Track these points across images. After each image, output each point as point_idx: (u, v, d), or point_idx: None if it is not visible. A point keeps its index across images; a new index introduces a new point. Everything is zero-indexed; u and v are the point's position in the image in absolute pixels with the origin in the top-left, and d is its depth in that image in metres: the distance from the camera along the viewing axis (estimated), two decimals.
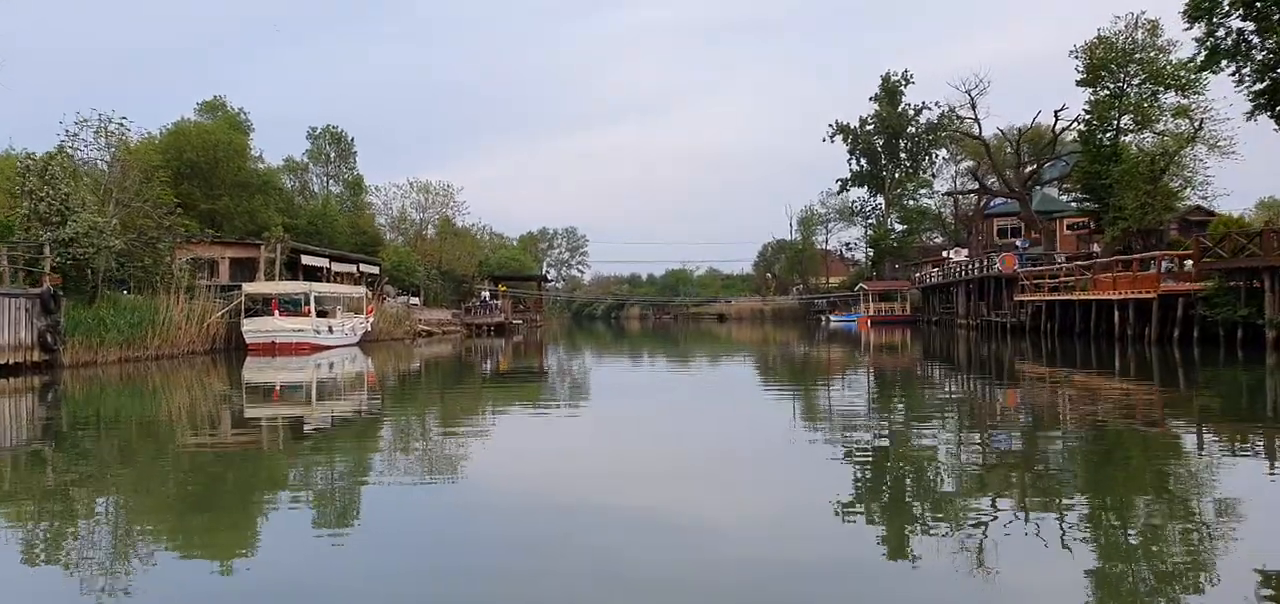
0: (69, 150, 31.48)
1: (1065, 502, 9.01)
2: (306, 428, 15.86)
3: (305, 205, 63.21)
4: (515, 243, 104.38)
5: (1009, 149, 64.23)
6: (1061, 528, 7.84)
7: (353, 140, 71.70)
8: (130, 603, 6.15)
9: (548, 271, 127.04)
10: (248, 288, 35.23)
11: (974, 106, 60.83)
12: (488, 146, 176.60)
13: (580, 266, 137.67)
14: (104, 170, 33.02)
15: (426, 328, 52.35)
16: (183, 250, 36.91)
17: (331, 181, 71.38)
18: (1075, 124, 53.95)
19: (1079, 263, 45.15)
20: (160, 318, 29.24)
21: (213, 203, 48.08)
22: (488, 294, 65.06)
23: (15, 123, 77.26)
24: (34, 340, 23.71)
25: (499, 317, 62.64)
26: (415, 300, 56.75)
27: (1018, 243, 59.31)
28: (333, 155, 70.79)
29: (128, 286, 32.03)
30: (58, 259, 28.19)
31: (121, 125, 32.59)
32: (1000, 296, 52.96)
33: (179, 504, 9.40)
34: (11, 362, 23.07)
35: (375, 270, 53.83)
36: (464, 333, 57.87)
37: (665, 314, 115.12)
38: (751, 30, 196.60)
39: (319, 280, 42.48)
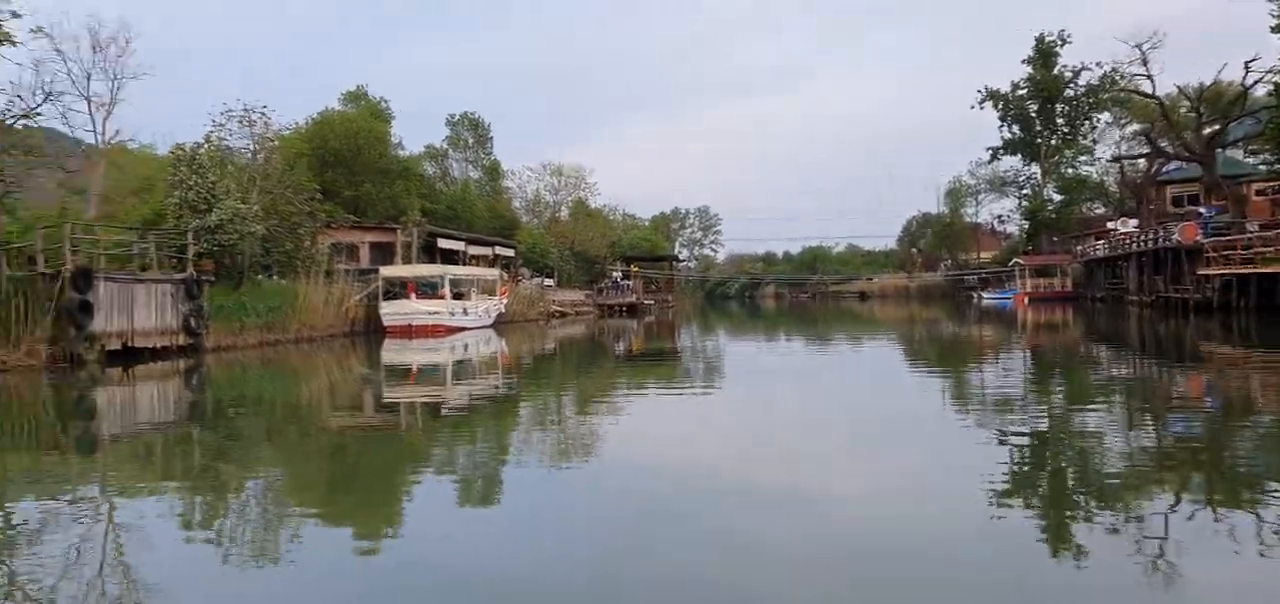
0: (216, 140, 32.41)
1: (1260, 498, 7.78)
2: (444, 409, 15.80)
3: (445, 191, 64.34)
4: (647, 223, 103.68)
5: (1186, 108, 58.21)
6: (1259, 528, 6.67)
7: (490, 126, 72.75)
8: (279, 578, 6.21)
9: (680, 251, 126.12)
10: (385, 271, 35.61)
11: (1145, 62, 55.31)
12: (621, 128, 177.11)
13: (713, 245, 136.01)
14: (249, 159, 33.84)
15: (560, 309, 52.18)
16: (324, 235, 37.67)
17: (470, 167, 72.54)
18: (1269, 76, 48.09)
19: (1277, 230, 40.11)
20: (300, 302, 29.67)
21: (355, 189, 49.23)
22: (619, 275, 64.53)
23: (174, 119, 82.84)
24: (179, 324, 24.27)
25: (630, 297, 61.98)
26: (549, 282, 56.79)
27: (1201, 210, 53.65)
28: (470, 141, 71.89)
29: (271, 271, 32.80)
30: (204, 245, 28.99)
31: (264, 115, 33.30)
32: (1179, 270, 48.30)
33: (324, 483, 9.64)
34: (159, 346, 23.69)
35: (510, 253, 54.07)
36: (596, 314, 57.51)
37: (803, 293, 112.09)
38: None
39: (455, 263, 42.75)
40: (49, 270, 21.06)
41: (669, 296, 76.24)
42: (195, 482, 9.76)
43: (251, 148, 33.52)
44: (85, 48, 35.04)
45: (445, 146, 71.01)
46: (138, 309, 22.96)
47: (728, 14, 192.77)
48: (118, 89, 32.90)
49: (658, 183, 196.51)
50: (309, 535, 7.33)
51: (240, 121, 32.89)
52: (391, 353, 28.09)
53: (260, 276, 32.34)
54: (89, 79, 32.51)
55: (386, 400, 17.66)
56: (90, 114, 32.72)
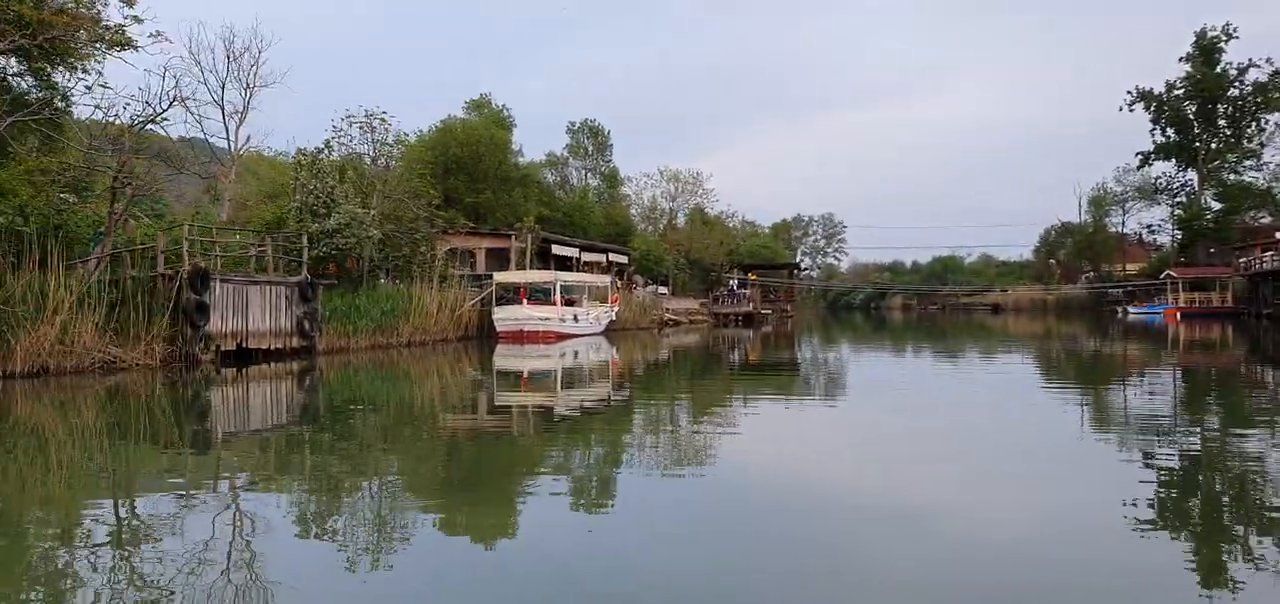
0: (336, 145, 33.09)
1: None
2: (556, 414, 15.81)
3: (564, 198, 64.64)
4: (767, 231, 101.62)
5: None
6: None
7: (609, 133, 72.73)
8: (395, 579, 6.18)
9: (802, 260, 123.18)
10: (498, 277, 35.67)
11: None
12: (741, 134, 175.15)
13: (837, 254, 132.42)
14: (370, 164, 34.42)
15: (673, 317, 51.33)
16: (442, 241, 37.99)
17: (589, 174, 72.75)
18: None
19: None
20: (413, 306, 29.83)
21: (476, 196, 49.82)
22: (735, 283, 63.15)
23: (307, 126, 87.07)
24: (293, 327, 24.60)
25: (747, 306, 60.52)
26: (663, 289, 56.03)
27: None
28: (590, 149, 72.10)
29: (387, 275, 33.19)
30: (322, 249, 29.51)
31: (383, 120, 33.83)
32: None
33: (438, 484, 9.74)
34: (272, 347, 24.05)
35: (624, 260, 53.60)
36: (710, 323, 56.35)
37: (931, 304, 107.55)
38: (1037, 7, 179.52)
39: (569, 270, 42.54)
40: (168, 271, 21.56)
41: (788, 306, 74.27)
42: (310, 480, 9.90)
43: (371, 153, 34.12)
44: (220, 57, 36.46)
45: (566, 154, 71.51)
46: (252, 310, 23.37)
47: (855, 20, 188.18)
48: (250, 97, 34.09)
49: (780, 191, 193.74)
50: (424, 535, 7.39)
51: (360, 127, 33.54)
52: (502, 358, 28.03)
53: (382, 280, 32.77)
54: (223, 87, 33.80)
55: (498, 404, 17.47)
56: (224, 121, 34.03)
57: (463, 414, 15.80)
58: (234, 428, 14.32)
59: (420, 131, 52.79)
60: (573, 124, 71.86)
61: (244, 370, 22.14)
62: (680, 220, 68.34)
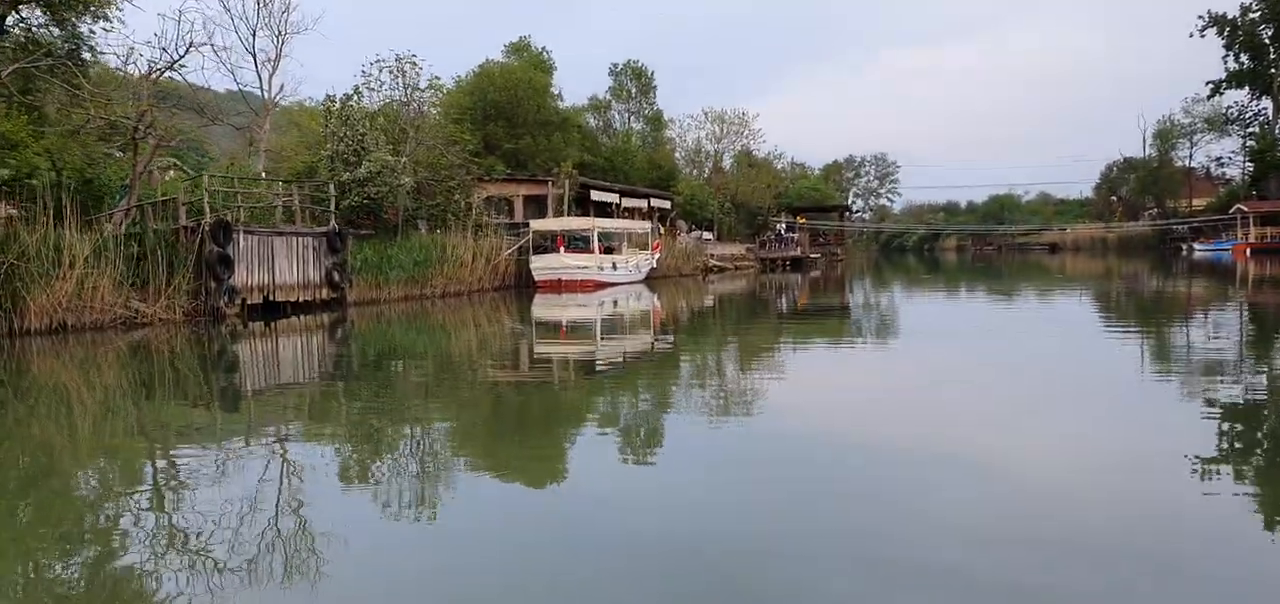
0: (366, 91, 32.21)
1: None
2: (598, 364, 15.24)
3: (607, 143, 63.26)
4: (817, 173, 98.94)
5: None
6: None
7: (653, 75, 70.80)
8: (442, 530, 6.12)
9: (853, 202, 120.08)
10: (535, 225, 34.66)
11: None
12: (792, 76, 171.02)
13: (890, 196, 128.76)
14: (401, 110, 33.52)
15: (718, 263, 49.97)
16: (479, 188, 37.09)
17: (633, 118, 71.12)
18: None
19: None
20: (448, 255, 29.03)
21: (515, 142, 48.79)
22: (783, 227, 61.34)
23: (336, 70, 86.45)
24: (322, 278, 23.97)
25: (795, 250, 58.76)
26: (708, 235, 54.60)
27: None
28: (634, 91, 70.32)
29: (424, 224, 32.43)
30: (355, 198, 28.81)
31: (414, 64, 32.78)
32: None
33: (480, 436, 9.46)
34: (302, 299, 23.49)
35: (667, 205, 52.21)
36: (757, 268, 54.85)
37: (987, 245, 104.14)
38: None
39: (609, 216, 41.38)
40: (190, 223, 20.98)
41: (838, 250, 72.24)
42: (350, 432, 9.60)
43: (402, 99, 33.14)
44: (250, 4, 35.65)
45: (608, 98, 69.88)
46: (278, 262, 22.77)
47: None
48: (282, 44, 33.19)
49: (831, 133, 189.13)
50: (470, 486, 7.31)
51: (391, 72, 32.54)
52: (540, 308, 27.23)
53: (420, 228, 32.03)
54: (254, 35, 32.95)
55: (538, 355, 16.94)
56: (257, 70, 33.26)
57: (502, 365, 15.30)
58: (264, 382, 13.78)
59: (458, 76, 51.77)
60: (615, 66, 70.14)
61: (272, 324, 21.63)
62: (726, 163, 66.47)
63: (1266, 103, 77.93)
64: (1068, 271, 48.01)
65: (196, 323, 20.57)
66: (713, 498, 6.57)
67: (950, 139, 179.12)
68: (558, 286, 32.84)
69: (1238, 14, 76.05)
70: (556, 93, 55.51)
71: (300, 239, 23.53)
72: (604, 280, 34.32)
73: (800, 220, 67.52)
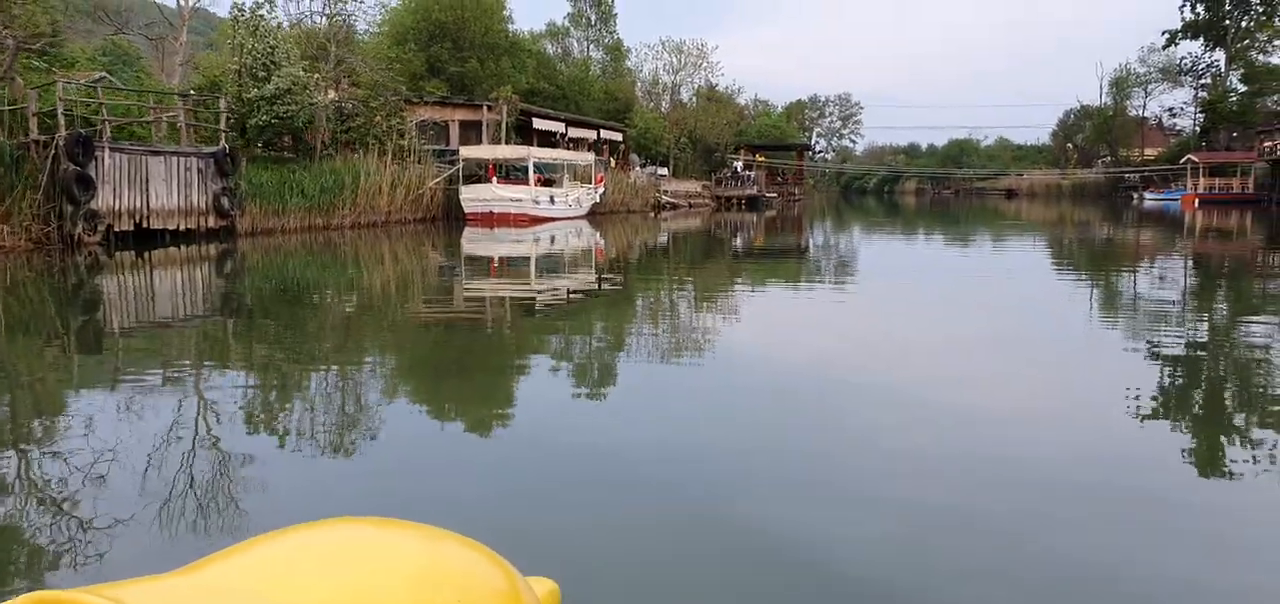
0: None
1: None
2: (538, 305, 13.62)
3: (564, 71, 59.69)
4: (780, 111, 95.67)
5: None
6: None
7: (613, 2, 66.82)
8: (371, 463, 5.43)
9: (817, 142, 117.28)
10: (465, 152, 31.52)
11: None
12: (759, 12, 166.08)
13: (853, 136, 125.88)
14: (324, 23, 30.10)
15: (671, 200, 47.20)
16: (411, 111, 33.88)
17: (592, 46, 67.33)
18: None
19: None
20: (362, 182, 25.96)
21: (461, 65, 45.30)
22: (739, 164, 58.44)
23: None
24: (208, 204, 20.96)
25: (751, 189, 56.04)
26: (663, 170, 51.63)
27: None
28: (593, 18, 66.42)
29: (352, 148, 29.23)
30: (265, 118, 25.64)
31: None
32: None
33: (404, 373, 8.57)
34: (184, 227, 20.53)
35: (618, 137, 49.05)
36: (713, 206, 52.20)
37: (945, 189, 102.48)
38: None
39: (555, 146, 38.29)
40: (43, 137, 17.83)
41: (796, 190, 69.62)
42: (250, 371, 8.39)
43: (324, 11, 29.67)
44: None
45: (567, 24, 65.97)
46: (154, 185, 19.75)
47: None
48: None
49: (797, 72, 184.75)
50: (399, 424, 6.40)
51: None
52: (468, 242, 24.58)
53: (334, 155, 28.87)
54: None
55: (466, 294, 14.92)
56: None
57: (422, 302, 13.61)
58: (135, 319, 11.78)
59: None
60: None
61: (145, 254, 18.76)
62: (684, 96, 63.15)
63: (1220, 54, 75.98)
64: (1022, 218, 46.81)
65: (49, 252, 17.62)
66: (660, 432, 6.16)
67: (915, 81, 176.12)
68: (489, 220, 29.97)
69: None
70: (508, 15, 51.77)
71: (182, 160, 20.44)
72: (540, 215, 31.44)
73: (760, 158, 64.66)
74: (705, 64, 63.55)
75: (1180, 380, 8.24)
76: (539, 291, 15.37)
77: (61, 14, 38.66)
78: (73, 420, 6.45)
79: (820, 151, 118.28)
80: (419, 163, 30.06)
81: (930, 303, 14.13)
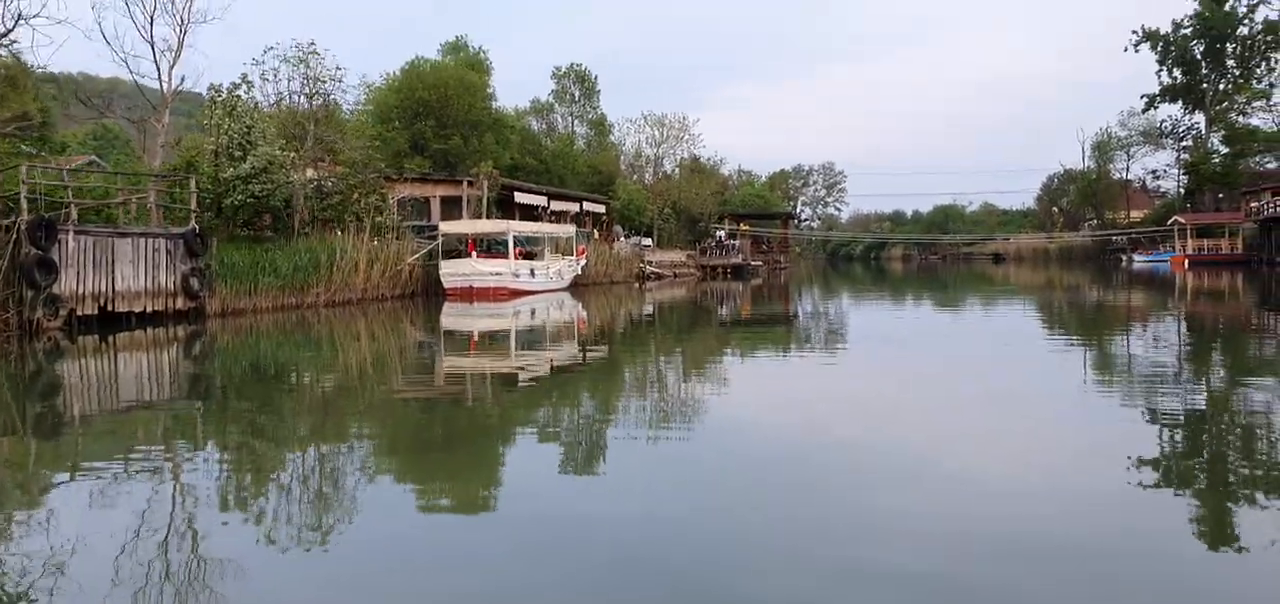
0: (262, 80, 28.70)
1: None
2: (521, 379, 13.48)
3: (549, 146, 60.07)
4: (763, 181, 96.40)
5: None
6: None
7: (596, 79, 67.61)
8: (355, 553, 5.31)
9: (802, 210, 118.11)
10: (444, 227, 31.27)
11: None
12: (741, 85, 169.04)
13: (837, 204, 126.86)
14: (302, 104, 30.06)
15: (656, 270, 47.00)
16: (392, 188, 33.77)
17: (576, 122, 67.86)
18: None
19: None
20: (338, 259, 25.59)
21: (445, 141, 45.40)
22: (722, 233, 58.46)
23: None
24: (177, 285, 20.53)
25: (736, 258, 55.96)
26: (648, 241, 51.56)
27: None
28: (577, 95, 67.11)
29: (331, 226, 28.98)
30: (240, 198, 25.39)
31: (315, 54, 29.28)
32: None
33: (385, 455, 8.26)
34: (151, 309, 20.03)
35: (601, 209, 49.06)
36: (698, 276, 52.05)
37: (932, 255, 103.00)
38: None
39: (537, 220, 38.16)
40: (3, 222, 17.46)
41: (782, 257, 69.69)
42: (221, 457, 8.13)
43: (303, 92, 29.61)
44: None
45: (551, 101, 66.58)
46: (120, 267, 19.32)
47: None
48: (184, 34, 29.54)
49: (781, 144, 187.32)
50: (380, 508, 6.25)
51: (290, 62, 29.02)
52: (448, 317, 24.20)
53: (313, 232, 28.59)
54: (152, 22, 29.22)
55: (446, 370, 14.68)
56: (154, 61, 29.49)
57: (400, 381, 13.33)
58: (97, 406, 11.52)
59: (388, 74, 48.36)
60: (558, 69, 66.91)
61: (109, 338, 18.23)
62: (667, 168, 63.46)
63: (1199, 117, 77.15)
64: (1011, 282, 46.98)
65: (5, 338, 17.09)
66: (650, 507, 6.11)
67: (897, 149, 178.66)
68: (469, 294, 29.58)
69: (1170, 30, 75.18)
70: (492, 93, 52.21)
71: (150, 241, 20.05)
72: (521, 288, 31.07)
73: (744, 227, 64.80)
74: (686, 136, 64.20)
75: (1179, 449, 8.06)
76: (521, 366, 14.93)
77: (53, 100, 38.67)
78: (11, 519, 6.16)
79: (806, 219, 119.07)
80: (398, 239, 29.79)
81: (923, 371, 13.84)
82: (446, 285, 30.04)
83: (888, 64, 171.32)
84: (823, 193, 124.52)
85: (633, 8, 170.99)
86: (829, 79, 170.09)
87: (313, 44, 29.09)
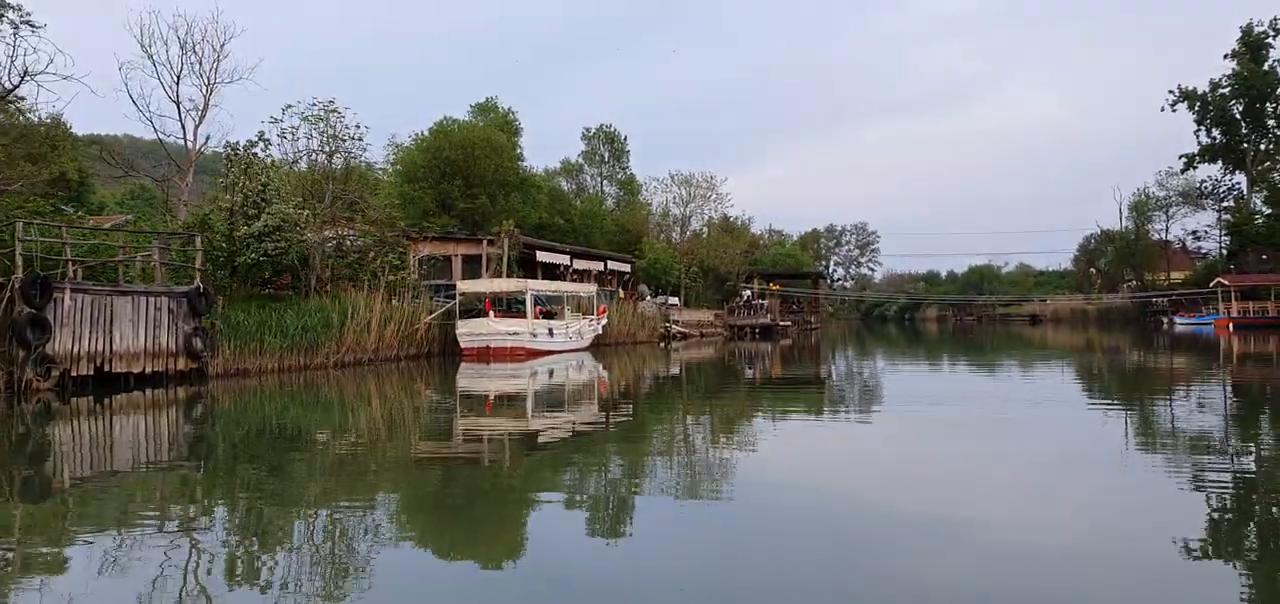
0: (280, 138, 28.42)
1: None
2: (541, 440, 13.11)
3: (579, 206, 59.72)
4: (795, 240, 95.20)
5: None
6: None
7: (626, 139, 67.52)
8: None
9: (835, 270, 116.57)
10: (462, 286, 30.52)
11: None
12: (773, 148, 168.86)
13: (871, 265, 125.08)
14: (323, 162, 29.72)
15: (682, 330, 45.87)
16: (413, 247, 33.24)
17: (606, 182, 67.58)
18: None
19: None
20: (349, 319, 24.86)
21: (471, 202, 45.09)
22: (749, 293, 57.20)
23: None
24: (179, 345, 19.83)
25: (764, 318, 54.64)
26: (674, 300, 50.52)
27: None
28: (606, 155, 66.91)
29: (350, 285, 28.38)
30: (253, 256, 24.87)
31: (335, 111, 28.99)
32: None
33: (400, 522, 7.85)
34: (150, 370, 19.33)
35: (626, 268, 48.20)
36: (725, 336, 50.79)
37: (967, 315, 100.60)
38: (1077, 10, 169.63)
39: (559, 279, 37.36)
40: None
41: (812, 318, 68.20)
42: (225, 523, 7.76)
43: (322, 149, 29.27)
44: (174, 49, 31.98)
45: (580, 161, 66.42)
46: (119, 326, 18.69)
47: (892, 36, 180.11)
48: (211, 94, 29.53)
49: (812, 204, 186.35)
50: (395, 574, 5.99)
51: (309, 120, 28.72)
52: (464, 378, 23.30)
53: (330, 291, 28.01)
54: (178, 82, 29.25)
55: (461, 431, 14.07)
56: (180, 120, 29.47)
57: (412, 442, 12.80)
58: (88, 469, 10.85)
59: (417, 133, 48.39)
60: (588, 130, 66.86)
61: (105, 400, 17.52)
62: (694, 226, 62.75)
63: (1240, 177, 74.93)
64: (1049, 344, 45.31)
65: None
66: (679, 575, 5.92)
67: (932, 210, 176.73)
68: (486, 355, 28.68)
69: (1207, 89, 73.44)
70: (520, 153, 52.04)
71: (151, 300, 19.43)
72: (539, 348, 30.12)
73: (774, 286, 63.54)
74: (714, 195, 63.51)
75: (1227, 521, 7.64)
76: (539, 429, 14.25)
77: (90, 161, 38.92)
78: None
79: (839, 279, 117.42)
80: (415, 297, 29.08)
81: (956, 436, 13.24)
82: (463, 345, 29.19)
83: (923, 123, 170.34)
84: (856, 252, 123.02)
85: (665, 73, 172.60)
86: (862, 140, 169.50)
87: (332, 101, 28.82)
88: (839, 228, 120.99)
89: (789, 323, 60.82)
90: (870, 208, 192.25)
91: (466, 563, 6.52)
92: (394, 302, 27.38)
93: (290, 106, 28.20)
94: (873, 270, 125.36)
